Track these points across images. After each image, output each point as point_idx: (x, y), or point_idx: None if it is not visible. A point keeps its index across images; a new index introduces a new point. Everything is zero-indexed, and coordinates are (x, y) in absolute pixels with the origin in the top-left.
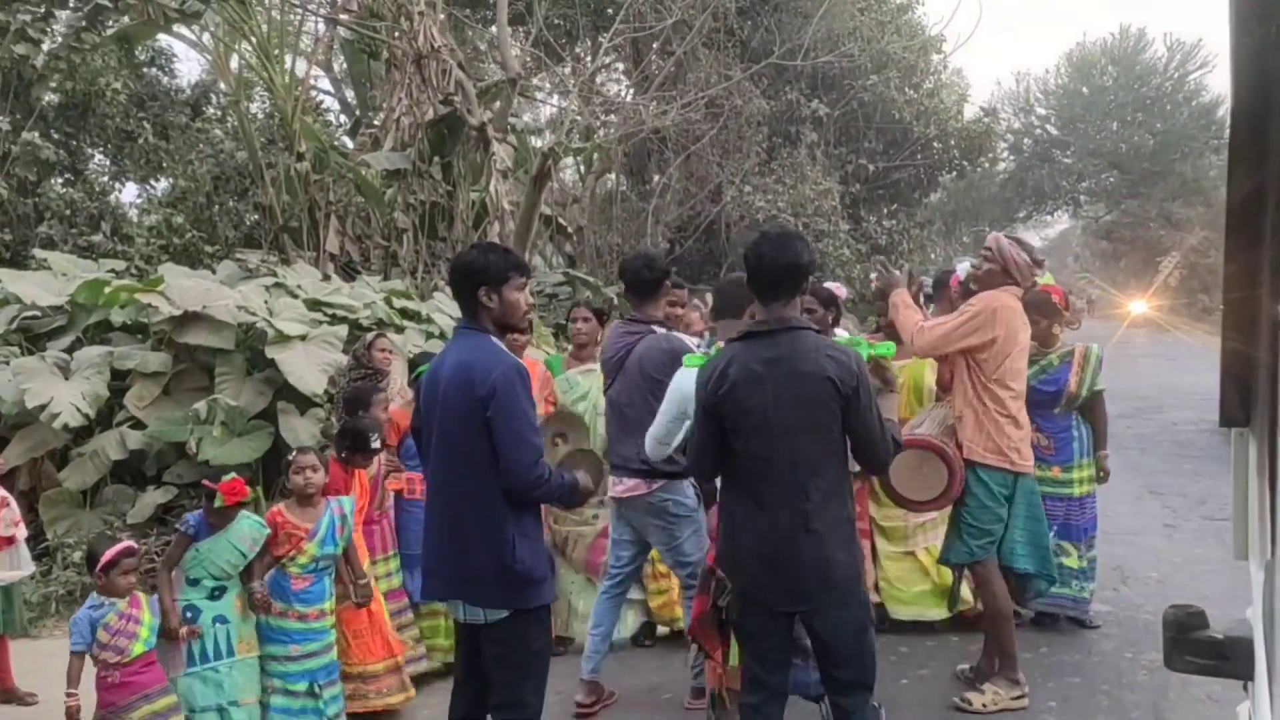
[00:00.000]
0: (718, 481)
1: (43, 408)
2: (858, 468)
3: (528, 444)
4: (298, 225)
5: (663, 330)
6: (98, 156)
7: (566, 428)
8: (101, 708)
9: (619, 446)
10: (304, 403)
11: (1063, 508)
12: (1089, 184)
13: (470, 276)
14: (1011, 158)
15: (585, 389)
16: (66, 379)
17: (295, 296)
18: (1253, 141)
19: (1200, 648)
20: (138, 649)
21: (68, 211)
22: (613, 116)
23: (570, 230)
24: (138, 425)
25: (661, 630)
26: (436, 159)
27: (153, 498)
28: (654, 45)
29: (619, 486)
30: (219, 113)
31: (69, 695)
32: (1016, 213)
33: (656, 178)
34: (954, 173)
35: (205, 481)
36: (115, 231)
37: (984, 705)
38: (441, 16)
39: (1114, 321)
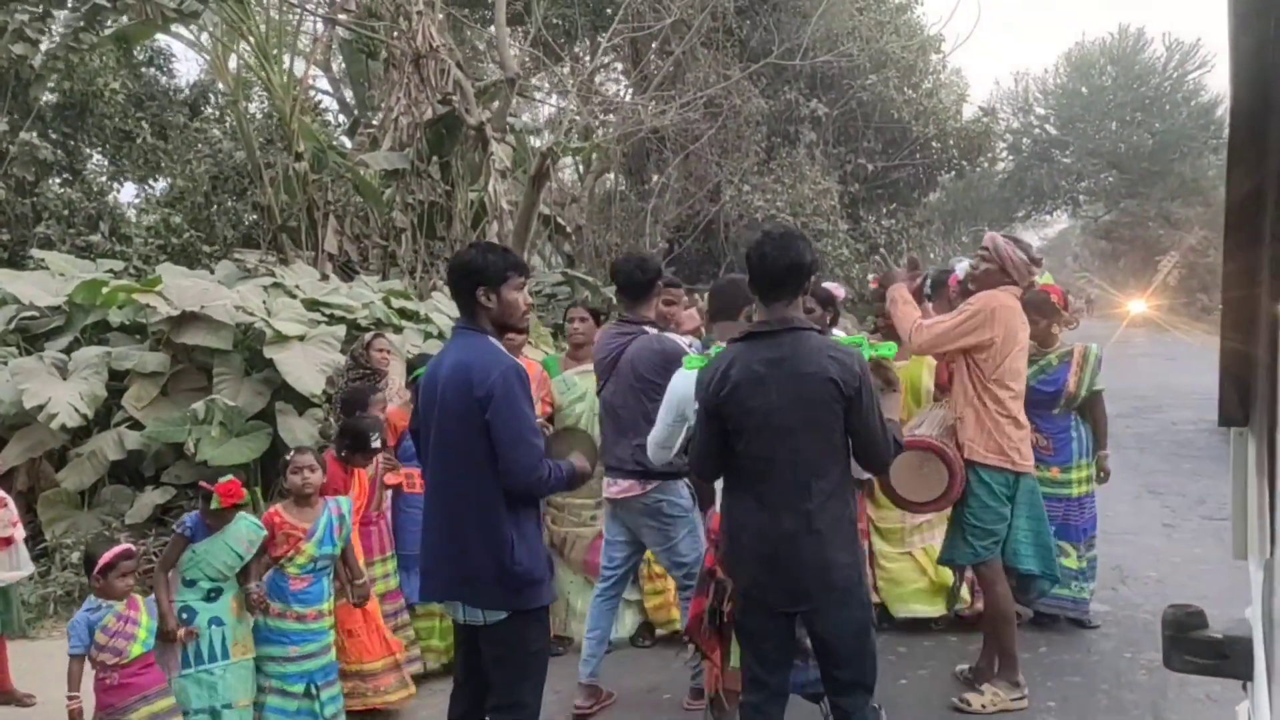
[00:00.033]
0: (718, 483)
1: (40, 408)
2: (865, 475)
3: (527, 444)
4: (296, 225)
5: (655, 331)
6: (96, 156)
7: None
8: (101, 709)
9: (613, 448)
10: (302, 403)
11: (1061, 508)
12: (1088, 184)
13: (469, 276)
14: (1010, 157)
15: (582, 390)
16: (64, 379)
17: (293, 296)
18: (1252, 141)
19: (1199, 647)
20: (136, 650)
21: (65, 211)
22: (611, 116)
23: (569, 230)
24: (136, 426)
25: (660, 630)
26: (435, 159)
27: (151, 498)
28: (653, 45)
29: (613, 488)
30: (217, 113)
31: (70, 698)
32: (1015, 212)
33: (655, 177)
34: (953, 172)
35: (202, 483)
36: (113, 231)
37: (983, 706)
38: (440, 16)
39: (1113, 321)
